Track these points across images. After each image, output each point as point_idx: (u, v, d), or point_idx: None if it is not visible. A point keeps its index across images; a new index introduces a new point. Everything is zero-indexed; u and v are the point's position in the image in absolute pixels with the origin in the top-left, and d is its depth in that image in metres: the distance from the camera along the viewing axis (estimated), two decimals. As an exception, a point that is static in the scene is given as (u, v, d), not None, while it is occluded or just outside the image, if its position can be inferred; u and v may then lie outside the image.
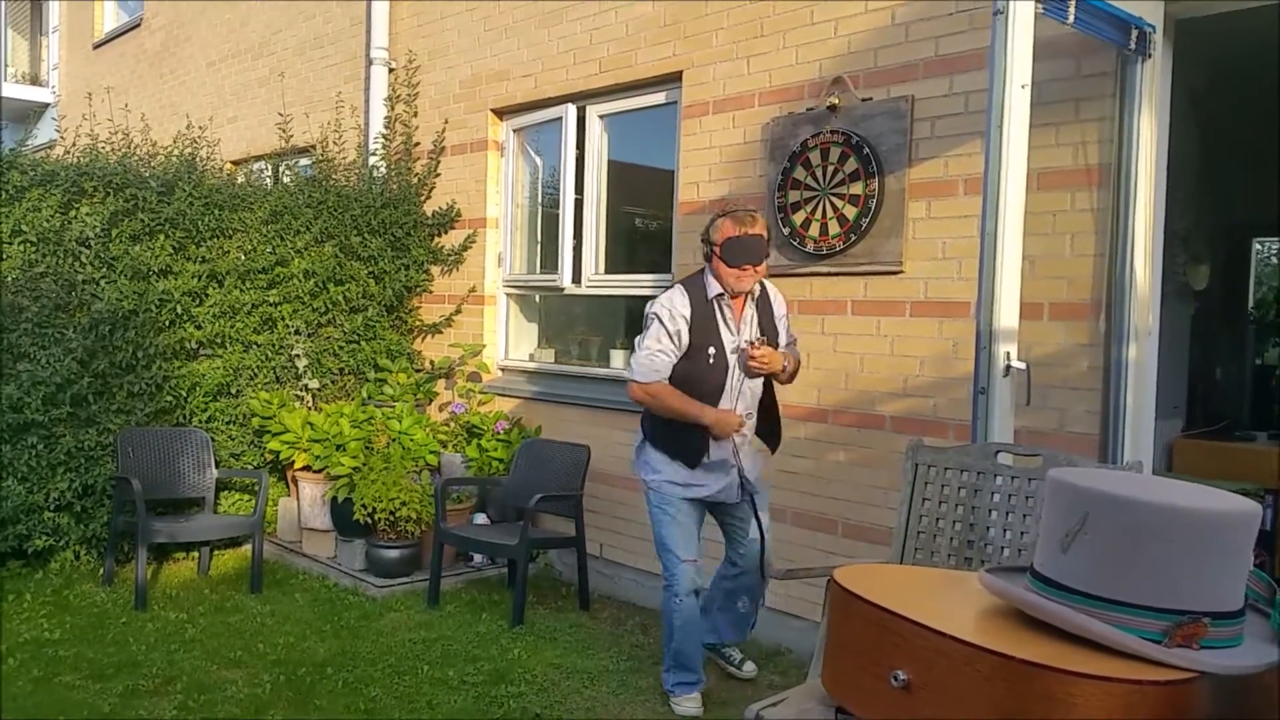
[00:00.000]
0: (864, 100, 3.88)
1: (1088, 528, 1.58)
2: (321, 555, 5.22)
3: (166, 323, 5.19)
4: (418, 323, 6.21)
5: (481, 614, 4.47)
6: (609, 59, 4.98)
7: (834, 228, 3.92)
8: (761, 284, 3.45)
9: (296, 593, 4.75)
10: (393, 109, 6.35)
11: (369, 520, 4.81)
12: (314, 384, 5.67)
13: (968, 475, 2.49)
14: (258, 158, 7.39)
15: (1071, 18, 2.90)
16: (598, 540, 4.89)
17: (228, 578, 4.99)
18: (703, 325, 3.35)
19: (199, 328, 5.31)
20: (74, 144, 5.36)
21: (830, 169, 3.95)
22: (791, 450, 4.11)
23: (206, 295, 5.34)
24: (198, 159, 5.60)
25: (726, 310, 3.38)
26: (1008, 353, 2.69)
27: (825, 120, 3.99)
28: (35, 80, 12.32)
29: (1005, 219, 2.71)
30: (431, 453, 5.30)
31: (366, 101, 6.47)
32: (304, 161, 6.71)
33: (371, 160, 6.31)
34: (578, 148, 5.32)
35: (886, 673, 1.58)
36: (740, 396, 3.40)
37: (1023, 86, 2.72)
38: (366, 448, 5.16)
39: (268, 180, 6.44)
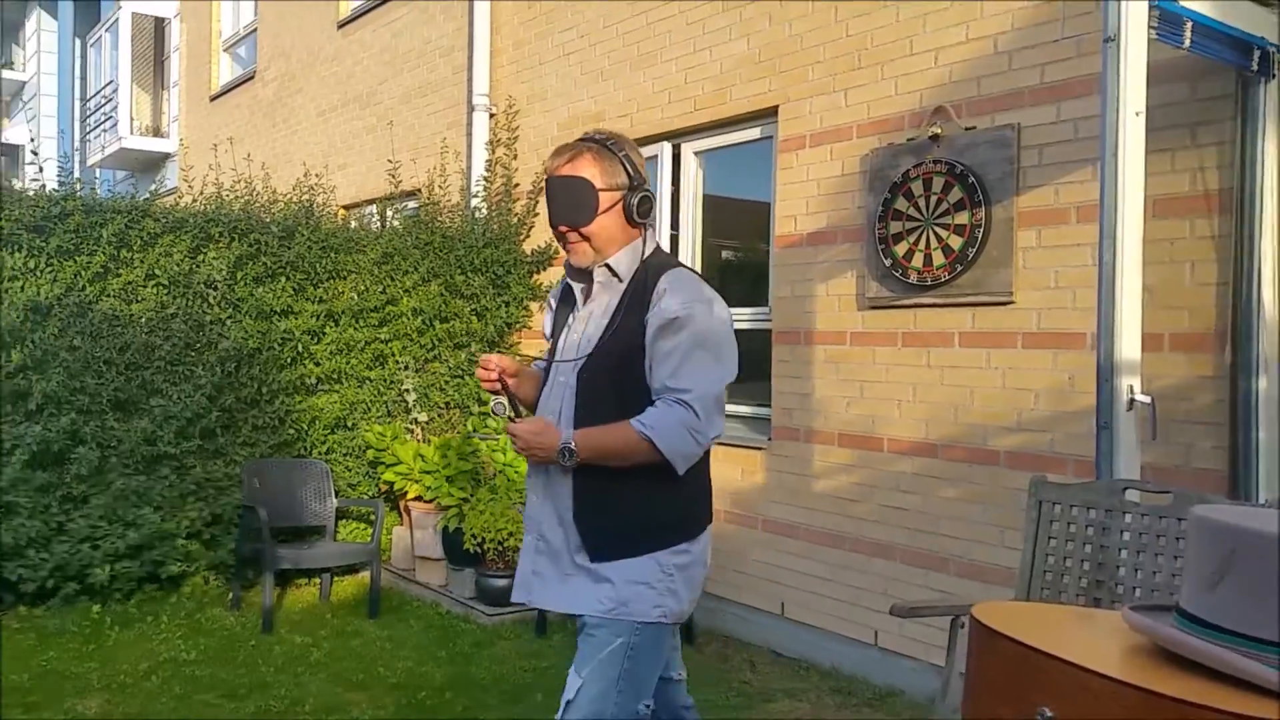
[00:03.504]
0: (967, 129, 3.85)
1: (1236, 565, 1.54)
2: (433, 583, 5.34)
3: (288, 360, 5.42)
4: (519, 358, 6.32)
5: (588, 643, 4.50)
6: (704, 97, 5.05)
7: (939, 258, 3.88)
8: (651, 272, 2.13)
9: (411, 619, 4.87)
10: (493, 152, 6.53)
11: (478, 550, 4.91)
12: (423, 417, 5.84)
13: (1095, 513, 2.43)
14: (367, 202, 7.68)
15: (1187, 42, 2.84)
16: (700, 571, 4.88)
17: (347, 603, 5.15)
18: (558, 318, 2.32)
19: (317, 364, 5.53)
20: (201, 192, 5.66)
21: (934, 199, 3.92)
22: (899, 485, 4.06)
23: (324, 333, 5.57)
24: (314, 205, 5.86)
25: (579, 296, 2.23)
26: (1131, 386, 2.63)
27: (927, 150, 3.97)
28: (157, 132, 13.04)
29: (1123, 248, 2.65)
30: (535, 483, 5.38)
31: (469, 146, 6.68)
32: (411, 204, 6.96)
33: (474, 202, 6.49)
34: (673, 184, 5.39)
35: (1031, 709, 1.54)
36: (559, 416, 2.16)
37: (1137, 114, 2.67)
38: (474, 480, 5.28)
39: (376, 223, 6.69)
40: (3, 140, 16.84)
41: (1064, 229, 3.53)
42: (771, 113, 4.72)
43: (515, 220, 6.31)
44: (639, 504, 2.08)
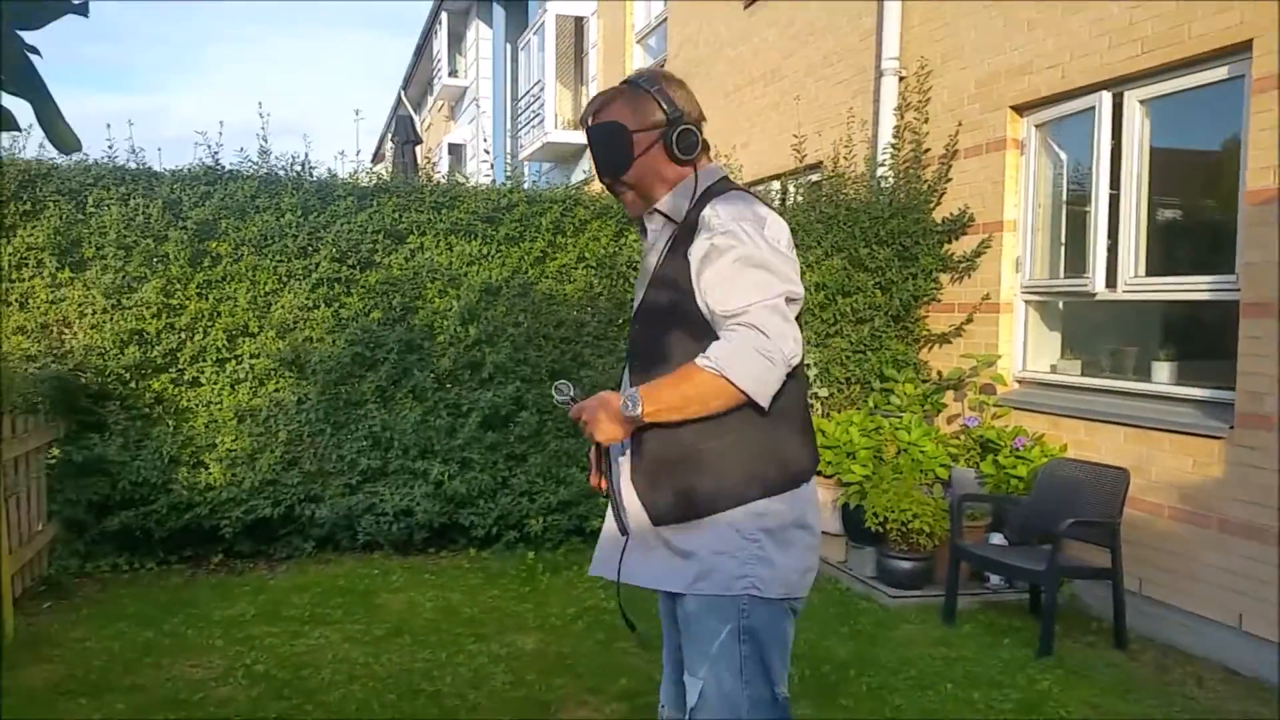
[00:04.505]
0: None
1: None
2: (832, 558, 5.45)
3: (698, 335, 5.82)
4: (925, 332, 6.22)
5: (1002, 639, 4.34)
6: (1153, 38, 4.57)
7: None
8: (702, 206, 1.93)
9: (811, 591, 5.01)
10: (902, 117, 6.44)
11: (880, 529, 4.93)
12: (823, 392, 5.96)
13: None
14: (770, 178, 7.95)
15: None
16: (1136, 574, 4.48)
17: (749, 573, 5.44)
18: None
19: (721, 339, 5.88)
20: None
21: None
22: None
23: (730, 308, 5.89)
24: (722, 184, 6.20)
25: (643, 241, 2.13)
26: None
27: None
28: (576, 125, 14.52)
29: None
30: (942, 466, 5.28)
31: (875, 113, 6.65)
32: (813, 177, 7.09)
33: (880, 171, 6.46)
34: (1113, 137, 4.95)
35: None
36: (628, 378, 2.05)
37: None
38: (876, 457, 5.30)
39: (776, 199, 6.92)
40: (451, 141, 19.76)
41: None
42: (1243, 48, 4.15)
43: (925, 188, 6.18)
44: (701, 455, 1.87)
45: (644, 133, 1.98)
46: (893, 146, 6.44)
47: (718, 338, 1.83)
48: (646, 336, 1.98)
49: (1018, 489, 4.96)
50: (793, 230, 5.98)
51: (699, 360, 1.79)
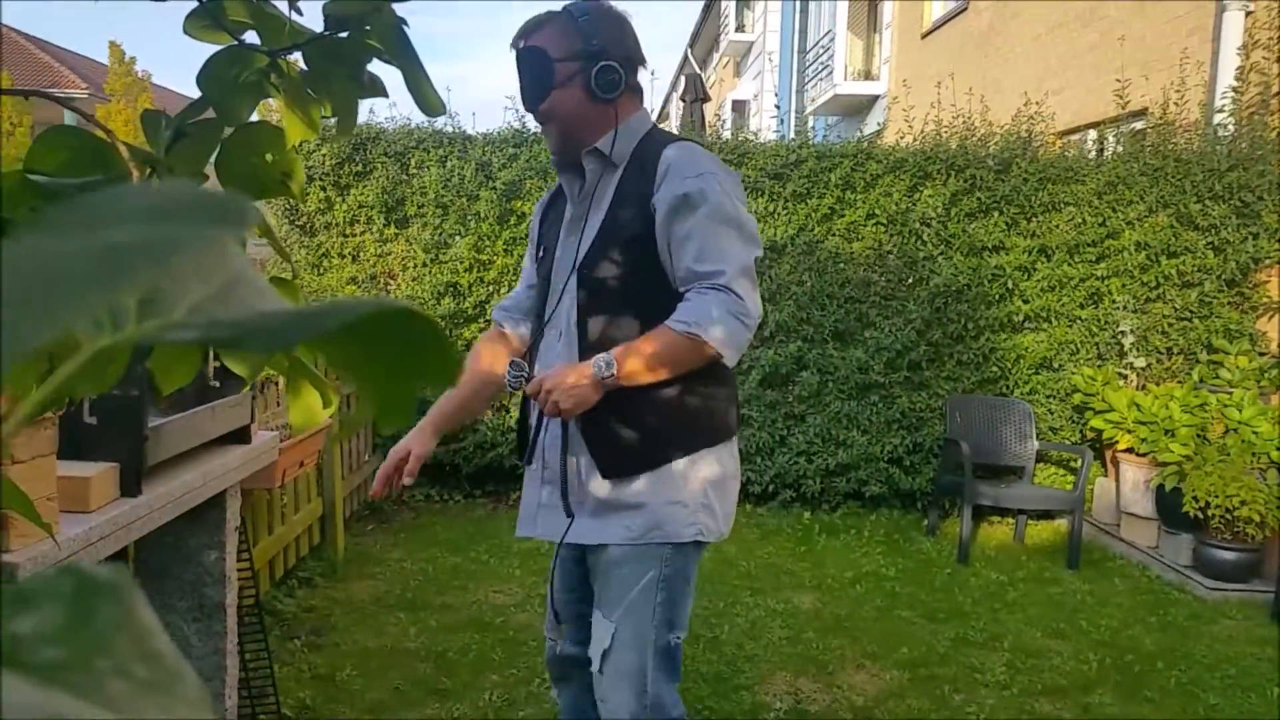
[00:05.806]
0: None
1: None
2: (1140, 543, 5.13)
3: (996, 297, 5.63)
4: (1265, 299, 5.63)
5: (1347, 647, 3.94)
6: None
7: None
8: (653, 148, 1.91)
9: (1115, 577, 4.78)
10: (1247, 56, 5.82)
11: (1200, 515, 4.58)
12: (1140, 362, 5.57)
13: None
14: (1086, 126, 7.45)
15: None
16: None
17: (1042, 549, 5.25)
18: (547, 230, 2.12)
19: (1025, 301, 5.64)
20: (922, 131, 6.07)
21: None
22: None
23: (1034, 269, 5.64)
24: (1033, 135, 5.90)
25: (571, 194, 2.03)
26: None
27: None
28: (867, 75, 14.20)
29: None
30: (1278, 449, 4.80)
31: (1214, 53, 6.04)
32: (1136, 125, 6.57)
33: (1217, 118, 5.88)
34: None
35: None
36: (562, 341, 1.97)
37: None
38: (1199, 436, 4.91)
39: (1091, 150, 6.48)
40: (735, 98, 19.95)
41: None
42: None
43: (1273, 135, 5.57)
44: (656, 407, 1.88)
45: (564, 63, 1.91)
46: (1234, 90, 5.84)
47: (677, 294, 1.86)
48: (599, 282, 1.93)
49: (1377, 481, 4.43)
50: (1112, 183, 5.68)
51: (673, 324, 1.80)
